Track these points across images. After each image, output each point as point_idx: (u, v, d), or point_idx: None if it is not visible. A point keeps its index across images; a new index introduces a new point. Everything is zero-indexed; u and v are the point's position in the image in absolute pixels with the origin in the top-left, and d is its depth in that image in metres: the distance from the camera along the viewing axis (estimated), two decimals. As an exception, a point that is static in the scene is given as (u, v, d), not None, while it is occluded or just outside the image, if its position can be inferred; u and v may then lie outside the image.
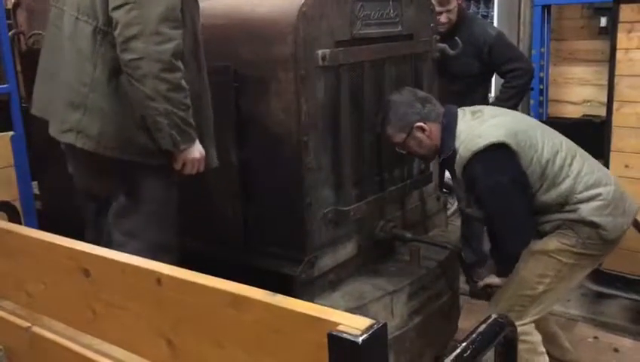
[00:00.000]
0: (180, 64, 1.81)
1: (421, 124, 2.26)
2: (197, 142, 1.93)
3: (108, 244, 1.97)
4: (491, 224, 2.29)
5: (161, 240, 2.01)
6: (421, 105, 2.28)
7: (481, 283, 2.41)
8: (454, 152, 2.20)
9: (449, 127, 2.24)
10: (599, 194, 2.15)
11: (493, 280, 2.38)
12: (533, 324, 2.25)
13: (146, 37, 1.74)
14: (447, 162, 2.27)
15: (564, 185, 2.15)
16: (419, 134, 2.27)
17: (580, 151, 2.26)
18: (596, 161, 2.30)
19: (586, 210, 2.13)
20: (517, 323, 2.13)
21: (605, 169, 2.35)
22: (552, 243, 2.18)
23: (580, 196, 2.14)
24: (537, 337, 2.28)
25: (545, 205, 2.17)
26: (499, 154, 2.12)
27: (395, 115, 2.27)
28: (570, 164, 2.17)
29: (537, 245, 2.20)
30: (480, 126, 2.19)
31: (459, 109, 2.29)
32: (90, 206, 2.14)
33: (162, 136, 1.84)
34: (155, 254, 1.85)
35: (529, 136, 2.16)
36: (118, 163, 1.92)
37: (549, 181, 2.15)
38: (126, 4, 1.75)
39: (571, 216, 2.15)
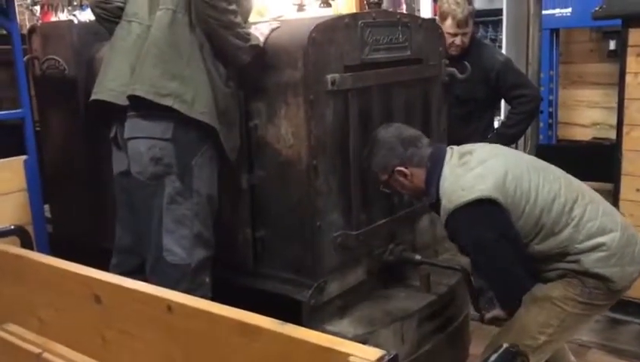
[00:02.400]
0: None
1: (401, 168, 2.15)
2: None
3: (158, 228, 2.10)
4: (483, 278, 2.20)
5: (204, 232, 2.15)
6: (403, 148, 2.16)
7: (488, 316, 2.27)
8: (439, 200, 2.09)
9: (433, 173, 2.12)
10: (602, 244, 1.99)
11: (501, 313, 2.22)
12: None
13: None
14: (435, 206, 2.16)
15: (564, 235, 2.00)
16: (400, 178, 2.17)
17: (583, 192, 2.09)
18: (602, 202, 2.13)
19: (588, 262, 1.99)
20: None
21: (612, 210, 2.15)
22: (556, 289, 2.04)
23: (581, 246, 1.99)
24: None
25: (543, 254, 2.04)
26: (483, 209, 1.98)
27: (377, 155, 2.19)
28: (571, 210, 2.01)
29: (541, 291, 2.07)
30: (465, 175, 2.04)
31: (448, 148, 2.18)
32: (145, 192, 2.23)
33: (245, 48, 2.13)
34: (196, 245, 2.10)
35: (521, 183, 2.01)
36: (188, 149, 2.09)
37: (546, 230, 2.01)
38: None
39: (574, 266, 2.01)
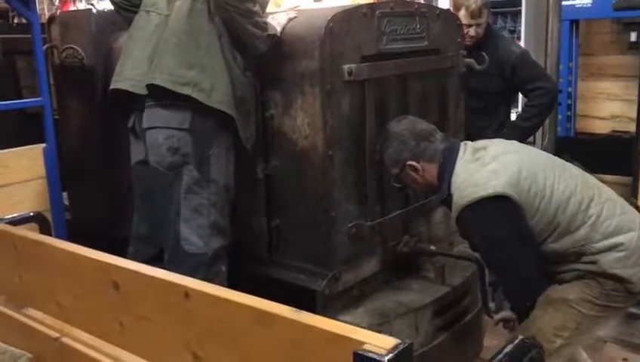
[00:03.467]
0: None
1: (413, 163, 2.12)
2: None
3: (176, 217, 2.13)
4: (495, 276, 2.17)
5: (220, 221, 2.17)
6: (416, 142, 2.12)
7: (496, 318, 2.24)
8: (450, 196, 2.05)
9: (445, 168, 2.07)
10: (620, 244, 1.93)
11: (510, 314, 2.18)
12: None
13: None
14: (446, 202, 2.12)
15: (580, 233, 1.94)
16: (411, 172, 2.14)
17: (600, 190, 2.04)
18: (619, 201, 2.07)
19: (606, 262, 1.93)
20: None
21: (630, 209, 2.08)
22: (573, 291, 1.98)
23: (598, 246, 1.93)
24: None
25: (558, 254, 1.98)
26: (496, 206, 1.93)
27: (389, 148, 2.16)
28: (587, 209, 1.96)
29: (557, 292, 2.01)
30: (478, 171, 1.99)
31: (461, 144, 2.13)
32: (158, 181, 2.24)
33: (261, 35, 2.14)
34: (212, 234, 2.13)
35: (535, 180, 1.96)
36: (206, 139, 2.11)
37: (561, 228, 1.95)
38: None
39: (591, 267, 1.95)
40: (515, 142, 2.23)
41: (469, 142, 2.16)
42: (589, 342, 2.17)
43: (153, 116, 2.17)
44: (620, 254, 1.93)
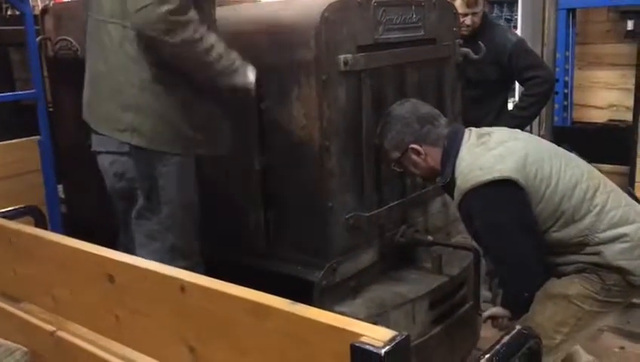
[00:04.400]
0: (183, 17, 1.83)
1: (415, 146, 2.07)
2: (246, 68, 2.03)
3: (133, 241, 2.04)
4: (493, 264, 2.11)
5: (181, 244, 2.04)
6: (419, 125, 2.08)
7: (485, 315, 2.18)
8: (453, 180, 2.00)
9: (450, 152, 2.02)
10: (625, 235, 1.90)
11: (499, 311, 2.12)
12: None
13: (182, 24, 1.84)
14: (447, 188, 2.09)
15: (585, 222, 1.91)
16: (413, 156, 2.09)
17: (605, 181, 2.02)
18: (622, 193, 2.05)
19: (610, 254, 1.90)
20: None
21: (633, 202, 2.06)
22: (573, 287, 1.96)
23: (602, 236, 1.90)
24: None
25: (561, 244, 1.95)
26: (501, 191, 1.89)
27: (391, 131, 2.11)
28: (593, 198, 1.93)
29: (557, 287, 1.99)
30: (483, 155, 1.96)
31: (466, 130, 2.09)
32: (120, 206, 2.16)
33: (225, 84, 1.98)
34: (172, 258, 1.95)
35: (541, 166, 1.92)
36: (148, 163, 1.96)
37: (565, 217, 1.92)
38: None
39: (594, 259, 1.92)
40: (518, 130, 2.21)
41: (473, 128, 2.12)
42: (588, 337, 2.15)
43: (98, 140, 2.07)
44: (625, 245, 1.90)
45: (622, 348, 2.97)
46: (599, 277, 1.93)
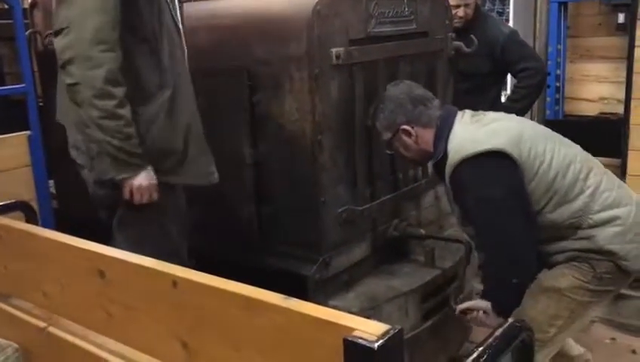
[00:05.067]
0: (116, 90, 1.74)
1: (406, 127, 2.05)
2: (144, 170, 1.83)
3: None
4: (481, 246, 2.02)
5: (164, 251, 1.90)
6: (412, 105, 2.05)
7: (459, 308, 2.10)
8: (445, 156, 1.96)
9: (443, 130, 2.00)
10: (617, 218, 1.89)
11: (477, 303, 2.05)
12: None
13: (79, 61, 1.71)
14: (438, 167, 2.03)
15: (578, 203, 1.89)
16: (404, 137, 2.06)
17: (598, 164, 2.01)
18: (615, 177, 2.04)
19: (602, 238, 1.88)
20: None
21: (626, 186, 2.05)
22: (564, 279, 1.94)
23: (595, 217, 1.89)
24: None
25: (554, 227, 1.92)
26: (495, 162, 1.85)
27: (384, 111, 2.08)
28: (586, 178, 1.91)
29: (548, 280, 1.97)
30: (478, 130, 1.94)
31: (459, 111, 2.07)
32: (103, 214, 2.11)
33: (97, 163, 1.82)
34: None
35: (535, 144, 1.90)
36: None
37: (558, 197, 1.89)
38: (61, 30, 1.73)
39: (586, 244, 1.90)
40: (510, 114, 2.19)
41: (467, 110, 2.09)
42: (580, 328, 2.12)
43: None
44: (617, 229, 1.89)
45: (613, 339, 2.99)
46: (590, 266, 1.92)
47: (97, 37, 1.71)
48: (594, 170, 1.95)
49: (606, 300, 2.07)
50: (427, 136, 2.05)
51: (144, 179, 1.84)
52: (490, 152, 1.85)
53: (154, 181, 1.87)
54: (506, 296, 1.96)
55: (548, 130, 2.08)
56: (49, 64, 3.01)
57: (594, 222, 1.90)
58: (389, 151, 2.19)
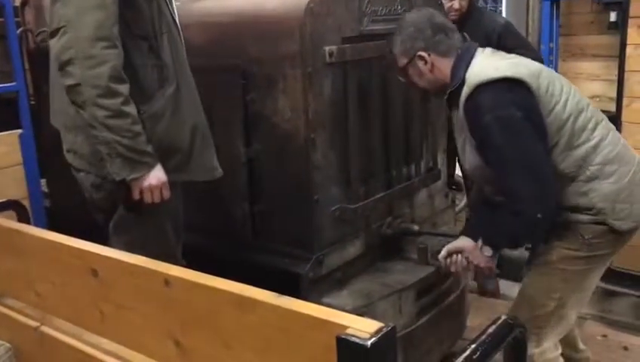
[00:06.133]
0: (121, 88, 1.70)
1: (423, 53, 1.98)
2: (154, 168, 1.80)
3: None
4: (499, 171, 1.87)
5: (162, 252, 1.90)
6: (432, 32, 1.98)
7: (443, 254, 2.05)
8: (462, 84, 1.90)
9: (464, 58, 1.95)
10: (614, 174, 1.89)
11: (454, 245, 2.02)
12: (553, 343, 2.04)
13: (80, 61, 1.66)
14: (453, 98, 1.96)
15: (581, 151, 1.88)
16: (420, 64, 1.99)
17: (606, 119, 1.99)
18: (620, 136, 2.03)
19: (596, 194, 1.87)
20: (537, 349, 1.98)
21: (630, 148, 2.03)
22: (554, 252, 1.95)
23: (593, 169, 1.87)
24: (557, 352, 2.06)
25: (557, 176, 1.87)
26: (515, 88, 1.83)
27: (402, 34, 2.01)
28: (594, 129, 1.90)
29: (539, 257, 2.00)
30: (499, 61, 1.93)
31: (479, 47, 2.02)
32: (100, 218, 2.08)
33: (107, 165, 1.77)
34: None
35: (553, 83, 1.89)
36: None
37: (566, 140, 1.87)
38: (58, 30, 1.69)
39: (579, 201, 1.88)
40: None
41: (487, 47, 2.06)
42: (586, 299, 2.10)
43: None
44: (612, 186, 1.89)
45: (604, 336, 3.01)
46: (578, 233, 1.91)
47: (98, 34, 1.66)
48: (602, 123, 1.95)
49: (604, 265, 2.05)
50: (443, 65, 1.99)
51: (154, 177, 1.80)
52: (511, 79, 1.83)
53: (164, 179, 1.83)
54: (531, 235, 1.91)
55: (565, 79, 2.04)
56: (40, 62, 3.01)
57: (592, 174, 1.88)
58: (402, 79, 2.12)
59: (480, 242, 1.96)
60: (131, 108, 1.73)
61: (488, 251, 1.94)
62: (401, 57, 2.03)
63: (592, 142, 1.89)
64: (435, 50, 1.99)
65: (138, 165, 1.76)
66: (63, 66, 1.69)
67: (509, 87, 1.83)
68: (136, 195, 1.81)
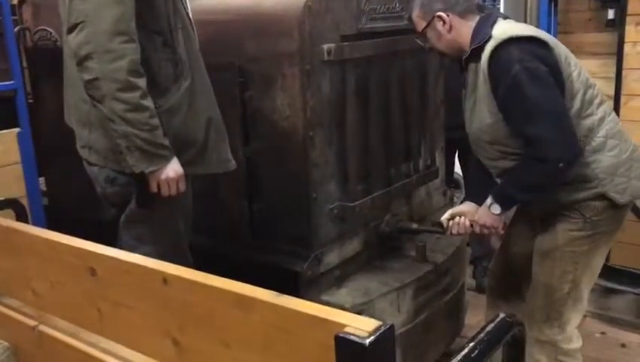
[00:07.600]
0: (139, 81, 1.72)
1: (442, 14, 2.00)
2: (171, 161, 1.82)
3: (122, 245, 1.96)
4: (522, 121, 1.89)
5: (171, 246, 1.99)
6: None
7: (446, 216, 2.12)
8: (486, 42, 1.92)
9: (488, 19, 1.99)
10: (616, 147, 1.98)
11: (458, 209, 2.11)
12: (576, 331, 2.12)
13: (98, 55, 1.67)
14: (472, 56, 1.98)
15: (588, 122, 1.96)
16: (439, 25, 2.02)
17: (610, 103, 2.11)
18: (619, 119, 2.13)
19: (598, 165, 1.95)
20: (561, 336, 2.06)
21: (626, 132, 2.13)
22: (559, 235, 2.03)
23: (598, 141, 1.96)
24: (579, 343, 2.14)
25: None
26: (541, 47, 1.89)
27: None
28: (599, 105, 1.99)
29: (546, 243, 2.07)
30: (524, 25, 2.03)
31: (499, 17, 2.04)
32: (113, 212, 2.09)
33: (124, 158, 1.78)
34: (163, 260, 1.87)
35: (568, 57, 1.97)
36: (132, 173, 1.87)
37: (576, 108, 1.95)
38: (76, 25, 1.69)
39: (583, 171, 1.94)
40: None
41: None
42: (594, 278, 2.16)
43: None
44: (614, 160, 1.97)
45: (603, 333, 3.02)
46: (579, 212, 2.00)
47: (116, 28, 1.68)
48: (605, 103, 2.04)
49: (606, 245, 2.11)
50: (462, 27, 2.01)
51: (172, 170, 1.82)
52: (538, 39, 1.90)
53: (181, 171, 1.85)
54: (551, 181, 1.94)
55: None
56: (38, 60, 3.00)
57: (597, 145, 1.97)
58: (421, 43, 2.13)
59: (489, 200, 2.02)
60: (149, 102, 1.75)
61: (496, 208, 2.01)
62: (420, 21, 2.06)
63: (598, 116, 1.97)
64: (454, 11, 2.01)
65: (156, 158, 1.79)
66: (81, 61, 1.70)
67: (535, 44, 1.90)
68: (153, 188, 1.83)
